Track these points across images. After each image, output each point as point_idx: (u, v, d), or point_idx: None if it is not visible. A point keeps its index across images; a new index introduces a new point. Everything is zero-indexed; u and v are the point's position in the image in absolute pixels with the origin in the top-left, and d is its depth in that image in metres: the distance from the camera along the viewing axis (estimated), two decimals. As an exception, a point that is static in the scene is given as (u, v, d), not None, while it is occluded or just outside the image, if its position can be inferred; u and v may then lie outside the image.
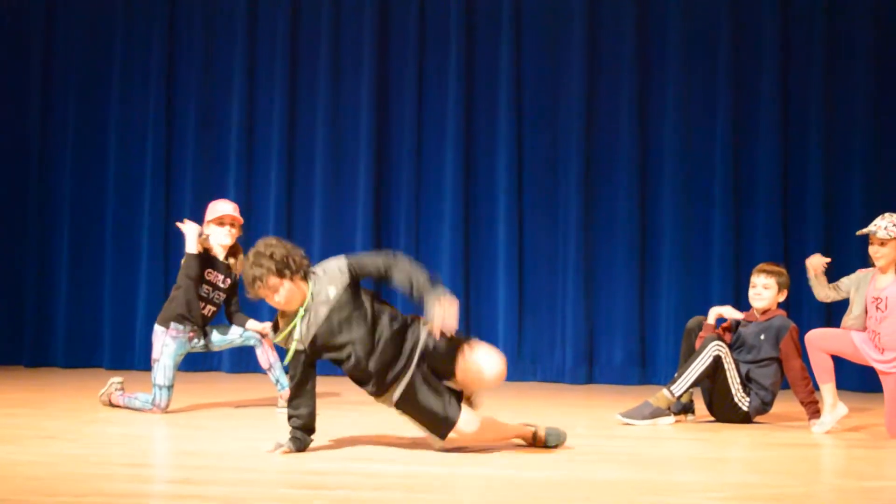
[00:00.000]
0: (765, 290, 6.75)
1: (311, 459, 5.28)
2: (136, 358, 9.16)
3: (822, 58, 8.78)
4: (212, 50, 9.36)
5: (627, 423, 6.51)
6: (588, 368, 8.89)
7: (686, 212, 8.89)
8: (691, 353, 6.65)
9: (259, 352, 6.93)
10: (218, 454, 5.46)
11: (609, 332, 8.96)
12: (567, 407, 7.35)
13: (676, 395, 6.50)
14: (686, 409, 6.78)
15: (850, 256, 8.21)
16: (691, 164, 8.92)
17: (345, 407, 7.27)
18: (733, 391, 6.57)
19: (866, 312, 6.32)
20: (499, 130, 9.08)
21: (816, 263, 6.54)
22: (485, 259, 9.06)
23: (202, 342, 6.89)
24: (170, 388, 6.75)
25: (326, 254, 9.07)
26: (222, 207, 6.91)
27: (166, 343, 6.77)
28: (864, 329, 6.33)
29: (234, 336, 6.93)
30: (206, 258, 6.80)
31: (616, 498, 4.55)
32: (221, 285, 6.87)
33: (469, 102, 9.11)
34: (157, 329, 6.81)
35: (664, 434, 6.27)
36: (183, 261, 6.80)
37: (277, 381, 6.90)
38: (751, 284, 6.83)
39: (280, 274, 5.25)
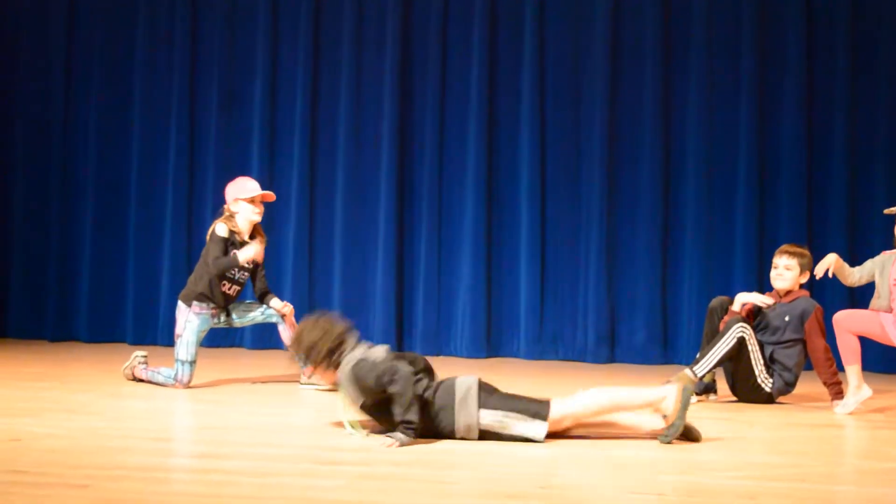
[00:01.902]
0: (787, 270, 6.70)
1: (331, 435, 5.28)
2: (158, 333, 9.19)
3: (845, 48, 8.70)
4: (235, 24, 9.33)
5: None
6: (610, 348, 8.87)
7: (709, 193, 8.84)
8: (714, 334, 6.63)
9: (281, 328, 6.94)
10: (239, 429, 5.47)
11: (631, 311, 8.93)
12: (589, 386, 7.31)
13: (699, 375, 6.48)
14: (708, 389, 6.76)
15: (873, 239, 8.17)
16: (715, 147, 8.85)
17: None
18: (756, 372, 6.55)
19: (890, 294, 6.28)
20: (522, 110, 9.04)
21: (830, 261, 6.47)
22: (507, 238, 9.04)
23: (224, 319, 6.91)
24: (192, 363, 6.76)
25: (349, 230, 9.13)
26: (254, 186, 6.90)
27: (189, 319, 6.79)
28: (892, 311, 6.30)
29: (257, 314, 6.95)
30: (232, 238, 6.81)
31: (637, 476, 4.54)
32: (245, 265, 6.87)
33: (492, 81, 9.06)
34: (181, 305, 6.84)
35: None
36: (209, 239, 6.80)
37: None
38: (773, 265, 6.79)
39: (307, 361, 5.37)
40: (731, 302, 6.76)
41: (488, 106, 8.98)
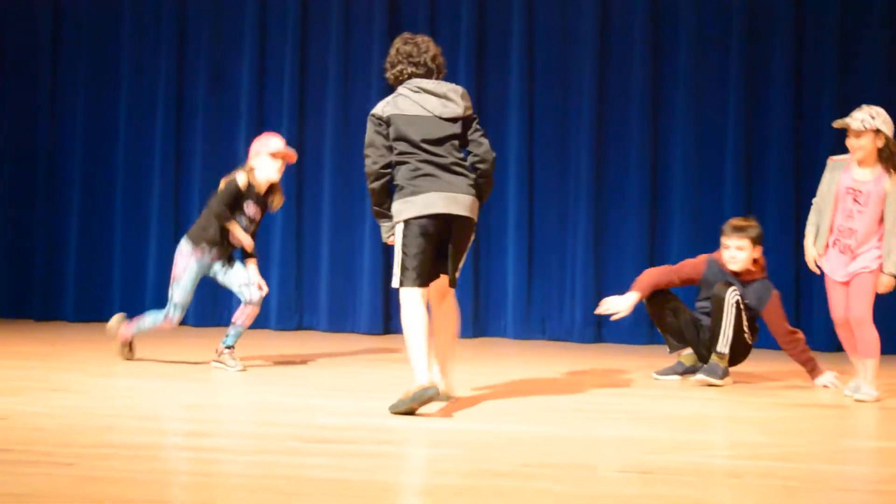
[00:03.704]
0: (739, 252, 6.59)
1: (319, 413, 5.29)
2: (145, 312, 9.15)
3: (834, 34, 8.70)
4: (222, 4, 9.30)
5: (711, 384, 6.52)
6: (596, 328, 8.88)
7: (697, 174, 8.84)
8: (661, 316, 6.67)
9: (241, 308, 6.84)
10: (226, 407, 5.48)
11: (618, 291, 8.88)
12: (575, 366, 7.35)
13: (723, 352, 6.48)
14: (725, 373, 6.71)
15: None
16: (703, 127, 8.85)
17: (355, 363, 7.29)
18: (745, 330, 6.54)
19: (835, 207, 6.09)
20: (510, 92, 9.03)
21: (813, 257, 6.24)
22: (495, 218, 9.03)
23: (218, 269, 6.81)
24: (184, 307, 6.76)
25: (336, 206, 9.11)
26: (277, 143, 6.78)
27: (190, 264, 6.72)
28: (826, 247, 6.13)
29: (234, 283, 6.83)
30: (249, 190, 6.73)
31: (622, 455, 4.55)
32: (256, 217, 6.81)
33: (480, 62, 9.04)
34: (185, 247, 6.76)
35: (672, 393, 6.27)
36: (223, 184, 6.70)
37: (227, 335, 6.79)
38: (723, 246, 6.65)
39: None
40: (674, 297, 6.80)
41: (476, 87, 8.96)
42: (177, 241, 9.15)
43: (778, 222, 8.60)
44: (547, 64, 9.03)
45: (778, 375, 6.91)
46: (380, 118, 5.45)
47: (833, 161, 6.19)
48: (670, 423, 5.32)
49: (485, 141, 5.50)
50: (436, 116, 5.40)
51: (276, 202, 6.89)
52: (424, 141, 5.36)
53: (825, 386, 6.44)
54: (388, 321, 9.03)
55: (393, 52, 5.59)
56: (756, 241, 6.62)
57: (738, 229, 6.60)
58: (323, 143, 9.18)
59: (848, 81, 8.64)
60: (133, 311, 9.15)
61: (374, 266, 8.94)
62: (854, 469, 4.44)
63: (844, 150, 8.43)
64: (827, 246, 6.16)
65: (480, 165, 5.46)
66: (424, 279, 5.36)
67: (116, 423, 4.92)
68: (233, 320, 6.84)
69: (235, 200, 6.69)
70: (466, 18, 9.03)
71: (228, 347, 6.77)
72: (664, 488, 3.99)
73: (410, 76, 5.49)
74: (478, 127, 5.52)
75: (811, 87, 8.73)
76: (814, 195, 8.63)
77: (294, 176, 9.07)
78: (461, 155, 5.46)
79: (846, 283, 6.10)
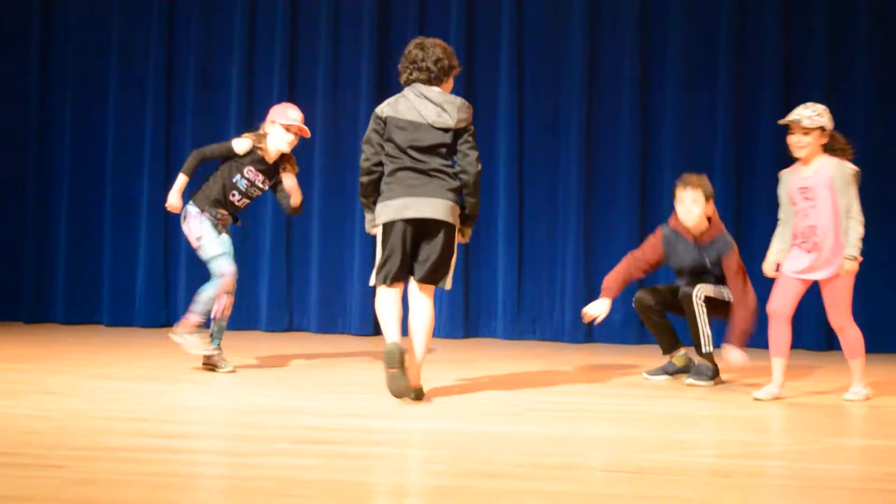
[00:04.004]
0: (694, 204, 6.59)
1: (308, 415, 5.29)
2: (135, 315, 9.16)
3: (823, 21, 8.72)
4: (212, 4, 9.29)
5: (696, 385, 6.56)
6: (587, 328, 8.89)
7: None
8: (660, 325, 6.72)
9: (219, 299, 6.68)
10: (217, 409, 5.48)
11: (608, 291, 8.94)
12: (566, 366, 7.36)
13: (708, 351, 6.53)
14: (715, 373, 6.73)
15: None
16: (692, 132, 8.85)
17: (345, 364, 7.29)
18: (723, 296, 6.57)
19: (793, 206, 6.08)
20: (500, 93, 9.03)
21: (771, 268, 6.21)
22: (485, 219, 9.02)
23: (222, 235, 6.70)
24: (227, 253, 6.62)
25: (326, 204, 9.10)
26: (294, 115, 6.70)
27: (203, 221, 6.64)
28: (794, 239, 6.08)
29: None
30: (252, 156, 6.66)
31: (613, 455, 4.56)
32: (260, 185, 6.72)
33: (470, 64, 9.03)
34: (192, 210, 6.67)
35: (662, 392, 6.29)
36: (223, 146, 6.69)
37: (194, 301, 6.66)
38: (678, 199, 6.65)
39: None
40: (652, 290, 6.80)
41: (465, 88, 8.95)
42: (166, 243, 9.23)
43: (769, 229, 8.59)
44: (536, 67, 9.02)
45: (767, 374, 6.92)
46: (379, 117, 5.74)
47: (783, 174, 6.20)
48: (660, 423, 5.33)
49: (472, 153, 5.70)
50: (429, 124, 5.64)
51: (289, 176, 6.76)
52: (411, 147, 5.63)
53: (731, 360, 6.35)
54: (377, 322, 9.02)
55: (404, 55, 5.84)
56: (709, 196, 6.64)
57: (692, 183, 6.62)
58: (312, 144, 9.16)
59: (837, 89, 8.65)
60: (122, 314, 9.20)
61: (364, 267, 8.94)
62: (843, 468, 4.45)
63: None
64: (790, 248, 6.13)
65: (462, 176, 5.70)
66: (394, 279, 5.69)
67: (107, 426, 4.92)
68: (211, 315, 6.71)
69: (224, 157, 6.64)
70: (455, 26, 9.03)
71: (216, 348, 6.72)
72: (654, 488, 4.01)
73: (416, 80, 5.74)
74: (468, 139, 5.71)
75: (801, 89, 8.72)
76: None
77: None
78: (447, 162, 5.71)
79: (804, 283, 6.06)
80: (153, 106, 9.23)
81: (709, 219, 6.66)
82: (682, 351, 6.84)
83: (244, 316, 9.02)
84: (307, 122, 9.08)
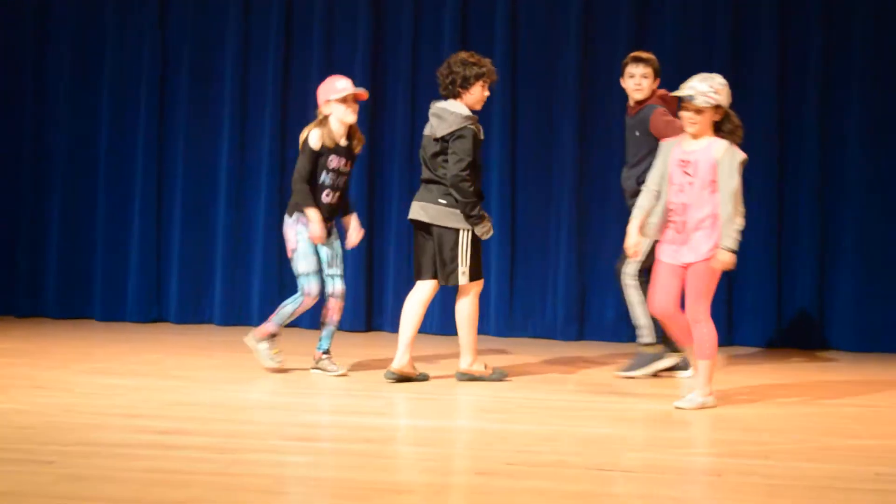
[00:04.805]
0: (643, 79, 6.66)
1: (301, 412, 5.30)
2: (127, 309, 9.13)
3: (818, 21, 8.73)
4: (206, 4, 9.26)
5: (628, 377, 6.55)
6: (579, 325, 8.88)
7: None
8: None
9: (329, 304, 6.54)
10: (209, 406, 5.48)
11: (601, 289, 8.93)
12: (558, 363, 7.37)
13: (650, 341, 6.53)
14: (680, 366, 6.75)
15: (844, 211, 8.31)
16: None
17: (337, 361, 7.29)
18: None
19: (670, 182, 5.70)
20: (492, 88, 8.99)
21: (633, 243, 5.84)
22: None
23: (326, 240, 6.49)
24: (317, 273, 6.44)
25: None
26: (344, 84, 6.46)
27: (299, 230, 6.42)
28: (667, 218, 5.71)
29: (326, 260, 6.52)
30: (324, 149, 6.42)
31: (605, 454, 4.57)
32: (344, 169, 6.50)
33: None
34: (287, 220, 6.48)
35: (653, 391, 6.28)
36: (301, 148, 6.47)
37: (321, 337, 6.57)
38: (628, 74, 6.71)
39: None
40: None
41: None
42: (158, 238, 9.20)
43: (760, 219, 8.62)
44: (529, 61, 8.98)
45: (756, 374, 6.94)
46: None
47: (664, 142, 5.88)
48: (651, 422, 5.34)
49: (451, 159, 6.25)
50: (429, 136, 6.35)
51: (357, 145, 6.57)
52: (423, 158, 6.41)
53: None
54: (370, 319, 9.03)
55: None
56: (657, 73, 6.70)
57: (644, 59, 6.68)
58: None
59: (830, 74, 8.66)
60: (115, 309, 9.18)
61: (357, 263, 8.93)
62: (834, 467, 4.46)
63: (828, 134, 8.26)
64: (665, 227, 5.74)
65: (445, 182, 6.28)
66: (415, 273, 6.47)
67: (99, 422, 4.91)
68: (321, 320, 6.60)
69: (314, 163, 6.41)
70: (450, 23, 9.01)
71: (325, 352, 6.56)
72: (645, 487, 4.02)
73: (439, 96, 6.41)
74: (453, 147, 6.25)
75: (796, 72, 8.69)
76: (795, 188, 8.67)
77: (277, 174, 9.04)
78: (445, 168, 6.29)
79: (678, 269, 5.66)
80: (146, 100, 9.20)
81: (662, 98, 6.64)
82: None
83: (237, 309, 9.01)
84: (303, 113, 9.13)
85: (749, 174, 8.59)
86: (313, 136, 6.45)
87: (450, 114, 6.26)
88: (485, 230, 6.30)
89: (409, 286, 6.77)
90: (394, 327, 8.54)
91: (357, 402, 5.57)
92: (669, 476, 4.18)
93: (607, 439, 4.86)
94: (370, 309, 9.05)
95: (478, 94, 6.31)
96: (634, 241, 5.83)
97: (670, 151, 5.76)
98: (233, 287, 9.08)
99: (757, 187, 8.47)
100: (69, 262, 9.26)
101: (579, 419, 5.34)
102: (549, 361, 7.41)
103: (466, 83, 6.26)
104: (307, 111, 9.08)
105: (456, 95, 6.28)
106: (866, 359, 7.97)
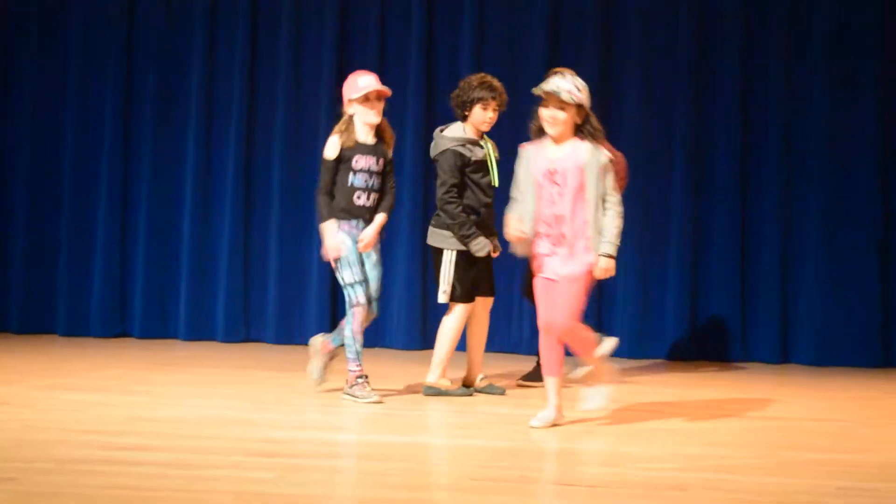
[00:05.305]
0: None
1: (265, 428, 5.27)
2: (91, 324, 9.07)
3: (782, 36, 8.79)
4: (173, 20, 9.23)
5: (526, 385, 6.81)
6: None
7: (647, 183, 8.78)
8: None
9: (346, 321, 6.25)
10: (172, 421, 5.44)
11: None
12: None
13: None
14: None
15: (806, 223, 8.50)
16: (651, 127, 8.83)
17: (302, 376, 7.27)
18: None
19: (538, 197, 5.41)
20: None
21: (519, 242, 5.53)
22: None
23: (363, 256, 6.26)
24: (362, 282, 6.16)
25: (285, 219, 9.04)
26: (366, 82, 6.20)
27: (343, 240, 6.17)
28: (538, 226, 5.43)
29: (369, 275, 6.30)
30: (347, 151, 6.16)
31: (569, 469, 4.58)
32: (375, 168, 6.21)
33: (431, 63, 9.00)
34: (329, 227, 6.19)
35: (617, 405, 6.28)
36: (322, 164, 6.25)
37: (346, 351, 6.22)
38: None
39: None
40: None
41: (426, 91, 8.91)
42: (123, 253, 9.15)
43: (725, 237, 8.67)
44: (496, 64, 8.97)
45: (719, 389, 6.96)
46: None
47: (525, 149, 5.55)
48: (616, 436, 5.34)
49: (437, 182, 6.47)
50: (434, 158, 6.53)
51: (388, 140, 6.32)
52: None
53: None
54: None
55: None
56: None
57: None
58: (272, 158, 9.10)
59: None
60: (79, 324, 9.10)
61: (322, 278, 8.90)
62: (797, 482, 4.48)
63: (821, 138, 8.25)
64: (538, 235, 5.45)
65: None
66: None
67: (60, 438, 4.87)
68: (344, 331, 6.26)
69: (334, 172, 6.16)
70: (417, 24, 9.00)
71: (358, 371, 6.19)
72: (610, 501, 4.02)
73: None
74: (438, 171, 6.47)
75: (759, 75, 8.74)
76: (759, 208, 8.71)
77: (243, 189, 9.01)
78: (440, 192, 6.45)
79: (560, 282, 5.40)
80: (111, 117, 9.15)
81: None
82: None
83: (201, 324, 8.96)
84: (268, 133, 9.11)
85: (710, 188, 8.76)
86: (328, 146, 6.21)
87: (440, 137, 6.46)
88: (478, 248, 6.34)
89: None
90: (385, 344, 8.63)
91: (321, 418, 5.55)
92: (634, 491, 4.18)
93: (572, 454, 4.86)
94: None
95: (479, 116, 6.40)
96: (517, 227, 5.45)
97: (532, 161, 5.46)
98: (197, 302, 9.03)
99: (721, 199, 8.57)
100: (32, 277, 9.19)
101: (544, 434, 5.33)
102: (514, 376, 7.41)
103: (465, 106, 6.42)
104: (273, 127, 9.09)
105: (462, 118, 6.45)
106: (828, 373, 8.03)
